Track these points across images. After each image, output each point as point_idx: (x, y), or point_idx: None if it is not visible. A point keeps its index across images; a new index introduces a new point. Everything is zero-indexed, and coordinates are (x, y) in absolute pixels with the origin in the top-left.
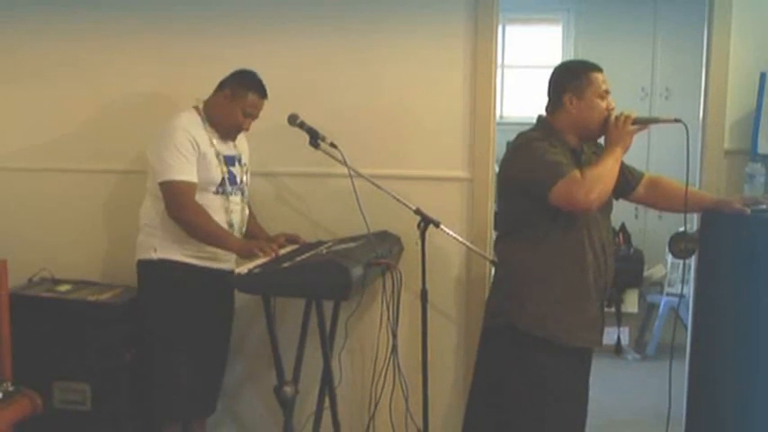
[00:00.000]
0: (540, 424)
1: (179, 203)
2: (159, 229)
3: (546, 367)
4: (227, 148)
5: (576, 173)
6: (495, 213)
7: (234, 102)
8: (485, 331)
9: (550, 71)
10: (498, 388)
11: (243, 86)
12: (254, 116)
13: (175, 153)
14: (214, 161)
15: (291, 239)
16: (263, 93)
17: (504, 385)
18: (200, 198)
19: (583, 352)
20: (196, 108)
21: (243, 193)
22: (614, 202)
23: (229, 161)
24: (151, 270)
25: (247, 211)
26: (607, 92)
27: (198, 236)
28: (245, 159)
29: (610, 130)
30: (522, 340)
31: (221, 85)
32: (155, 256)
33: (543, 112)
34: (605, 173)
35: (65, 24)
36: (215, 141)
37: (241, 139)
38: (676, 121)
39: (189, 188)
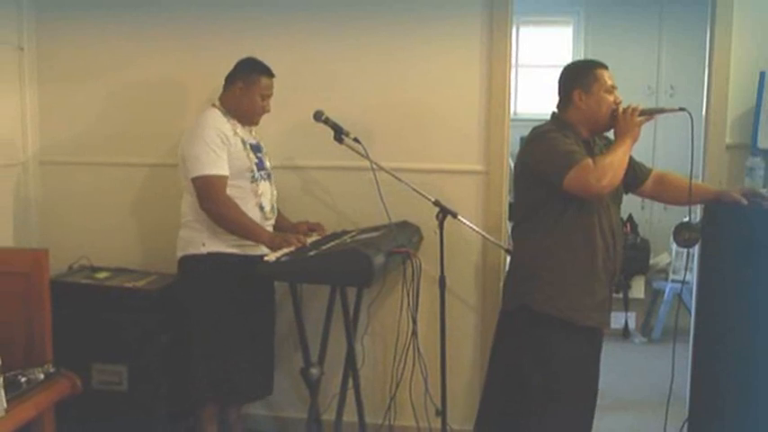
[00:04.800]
0: (552, 400)
1: (210, 197)
2: (205, 224)
3: (558, 346)
4: (250, 138)
5: (589, 160)
6: (511, 204)
7: (249, 90)
8: (501, 313)
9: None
10: (513, 366)
11: (252, 73)
12: (270, 96)
13: (205, 148)
14: (243, 150)
15: (312, 228)
16: (270, 73)
17: (518, 363)
18: (235, 186)
19: (593, 332)
20: (214, 105)
21: (270, 177)
22: (624, 195)
23: (255, 149)
24: (200, 263)
25: (275, 193)
26: (613, 87)
27: (229, 227)
28: (263, 145)
29: (618, 123)
30: (535, 320)
31: (231, 80)
32: (204, 250)
33: (555, 110)
34: (616, 161)
35: (107, 27)
36: (239, 131)
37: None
38: (681, 109)
39: (219, 181)
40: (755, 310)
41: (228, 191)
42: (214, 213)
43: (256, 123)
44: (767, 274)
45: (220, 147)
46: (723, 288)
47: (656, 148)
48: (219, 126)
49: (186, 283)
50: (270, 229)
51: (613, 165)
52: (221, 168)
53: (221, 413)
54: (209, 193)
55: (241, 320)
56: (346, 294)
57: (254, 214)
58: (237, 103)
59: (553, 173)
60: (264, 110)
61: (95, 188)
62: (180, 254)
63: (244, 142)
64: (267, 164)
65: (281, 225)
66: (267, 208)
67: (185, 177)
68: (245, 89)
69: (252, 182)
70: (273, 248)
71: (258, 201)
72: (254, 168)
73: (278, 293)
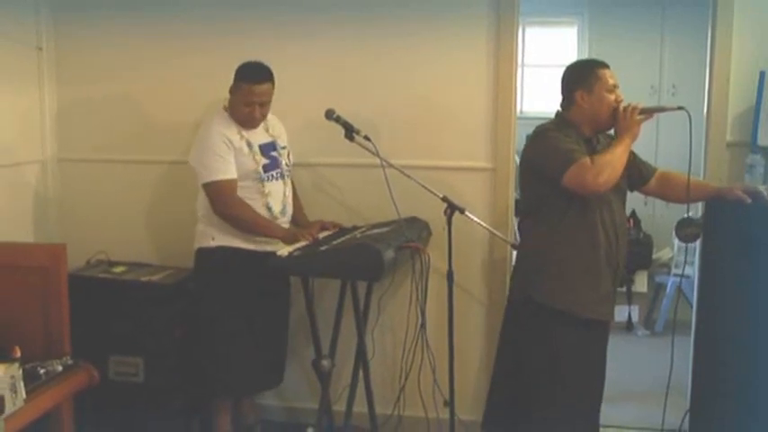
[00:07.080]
0: (558, 389)
1: (222, 201)
2: (215, 219)
3: (562, 337)
4: (262, 137)
5: (587, 159)
6: (517, 200)
7: (236, 96)
8: (508, 304)
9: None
10: (520, 358)
11: (237, 80)
12: (258, 103)
13: (212, 155)
14: (249, 153)
15: (325, 227)
16: (256, 79)
17: (524, 353)
18: (242, 186)
19: (597, 324)
20: (224, 107)
21: (283, 177)
22: (629, 193)
23: (267, 148)
24: (210, 256)
25: (290, 192)
26: (615, 86)
27: (244, 227)
28: (282, 143)
29: (618, 121)
30: (540, 312)
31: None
32: (213, 243)
33: (559, 109)
34: (614, 159)
35: (124, 27)
36: (244, 134)
37: (274, 124)
38: (680, 108)
39: (229, 185)
40: (755, 304)
41: (237, 192)
42: (227, 216)
43: (254, 127)
44: (766, 268)
45: (226, 151)
46: (723, 282)
47: (659, 145)
48: (224, 131)
49: (198, 276)
50: None
51: (611, 163)
52: (229, 172)
53: (235, 404)
54: (219, 198)
55: (249, 313)
56: (357, 288)
57: (263, 214)
58: (231, 107)
59: (553, 171)
60: (252, 116)
61: (112, 185)
62: (195, 246)
63: (250, 144)
64: (283, 162)
65: (299, 222)
66: (276, 209)
67: (198, 180)
68: (234, 95)
69: (258, 182)
70: (288, 243)
71: (265, 201)
72: (261, 170)
73: (291, 287)
